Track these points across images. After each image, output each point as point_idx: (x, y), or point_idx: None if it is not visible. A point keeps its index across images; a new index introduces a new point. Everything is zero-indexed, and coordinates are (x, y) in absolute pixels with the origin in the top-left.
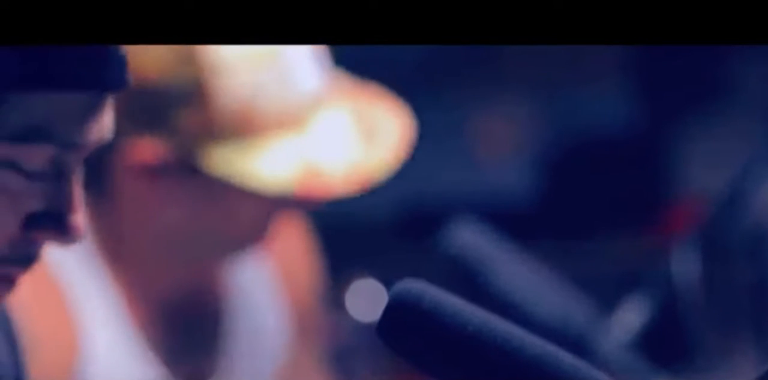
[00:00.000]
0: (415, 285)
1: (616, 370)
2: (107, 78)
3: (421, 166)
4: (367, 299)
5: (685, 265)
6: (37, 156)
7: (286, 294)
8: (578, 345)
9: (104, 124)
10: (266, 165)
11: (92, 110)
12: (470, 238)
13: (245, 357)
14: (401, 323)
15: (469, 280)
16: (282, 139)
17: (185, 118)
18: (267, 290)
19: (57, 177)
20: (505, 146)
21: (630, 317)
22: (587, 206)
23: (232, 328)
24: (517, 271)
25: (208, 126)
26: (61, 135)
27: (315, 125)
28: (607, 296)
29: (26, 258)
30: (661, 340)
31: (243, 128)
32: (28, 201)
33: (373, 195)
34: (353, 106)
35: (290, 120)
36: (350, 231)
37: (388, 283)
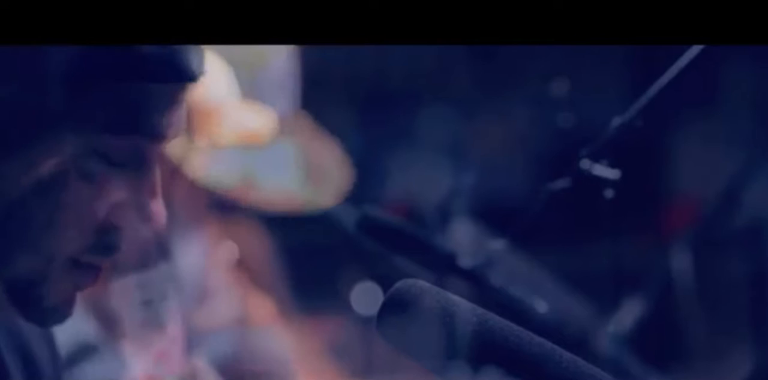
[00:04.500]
0: (415, 284)
1: (613, 368)
2: (185, 70)
3: (419, 166)
4: (368, 299)
5: (682, 263)
6: (125, 147)
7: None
8: (577, 343)
9: (181, 115)
10: (216, 164)
11: (171, 102)
12: (468, 237)
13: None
14: (401, 319)
15: (468, 279)
16: (235, 147)
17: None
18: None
19: (139, 167)
20: (503, 146)
21: (628, 315)
22: (584, 205)
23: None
24: (516, 270)
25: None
26: (147, 126)
27: (268, 147)
28: (605, 295)
29: (110, 247)
30: (658, 339)
31: (205, 128)
32: (113, 190)
33: (372, 197)
34: (305, 143)
35: (247, 134)
36: (349, 232)
37: (387, 284)
